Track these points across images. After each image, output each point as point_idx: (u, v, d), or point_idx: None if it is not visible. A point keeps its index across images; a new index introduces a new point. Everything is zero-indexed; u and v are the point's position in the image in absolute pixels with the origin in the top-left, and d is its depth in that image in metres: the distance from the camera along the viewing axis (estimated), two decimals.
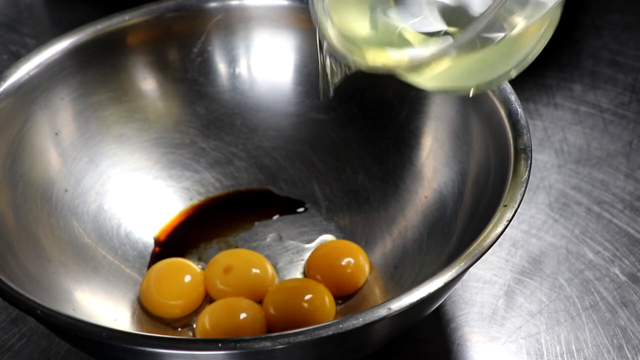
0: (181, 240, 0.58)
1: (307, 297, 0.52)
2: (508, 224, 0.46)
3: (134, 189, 0.58)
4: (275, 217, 0.59)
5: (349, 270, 0.54)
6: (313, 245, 0.57)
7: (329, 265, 0.55)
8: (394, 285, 0.54)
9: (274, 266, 0.56)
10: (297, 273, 0.56)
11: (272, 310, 0.52)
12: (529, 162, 0.48)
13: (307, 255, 0.57)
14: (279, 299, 0.52)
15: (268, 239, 0.58)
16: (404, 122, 0.57)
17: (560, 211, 0.60)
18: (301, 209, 0.59)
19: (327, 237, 0.58)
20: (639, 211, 0.60)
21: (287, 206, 0.59)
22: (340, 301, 0.54)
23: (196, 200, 0.59)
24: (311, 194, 0.59)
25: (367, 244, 0.56)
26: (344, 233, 0.58)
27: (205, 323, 0.52)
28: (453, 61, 0.41)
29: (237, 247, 0.57)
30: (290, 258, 0.57)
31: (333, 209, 0.59)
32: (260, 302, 0.53)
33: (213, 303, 0.53)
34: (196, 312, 0.54)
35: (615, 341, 0.53)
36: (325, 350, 0.45)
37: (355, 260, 0.55)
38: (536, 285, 0.56)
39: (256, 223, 0.58)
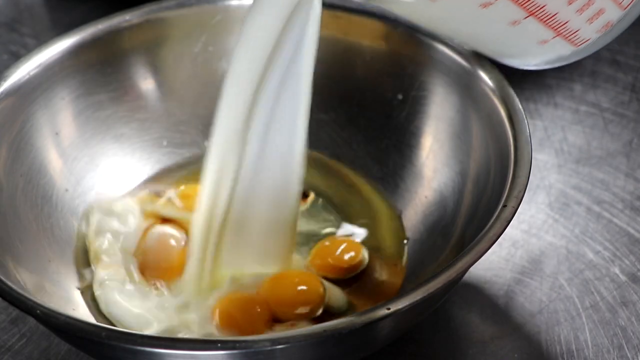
0: None
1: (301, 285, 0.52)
2: (508, 224, 0.46)
3: (134, 189, 0.58)
4: None
5: (345, 257, 0.54)
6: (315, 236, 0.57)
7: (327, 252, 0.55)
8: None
9: None
10: (301, 261, 0.55)
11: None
12: (529, 162, 0.48)
13: (309, 244, 0.56)
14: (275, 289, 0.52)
15: None
16: (404, 122, 0.57)
17: (560, 211, 0.60)
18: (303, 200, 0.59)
19: (328, 231, 0.57)
20: (639, 211, 0.60)
21: None
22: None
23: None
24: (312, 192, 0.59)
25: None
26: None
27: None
28: None
29: None
30: None
31: (333, 207, 0.59)
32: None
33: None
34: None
35: (615, 341, 0.53)
36: (325, 350, 0.45)
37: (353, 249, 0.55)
38: (536, 285, 0.56)
39: None
